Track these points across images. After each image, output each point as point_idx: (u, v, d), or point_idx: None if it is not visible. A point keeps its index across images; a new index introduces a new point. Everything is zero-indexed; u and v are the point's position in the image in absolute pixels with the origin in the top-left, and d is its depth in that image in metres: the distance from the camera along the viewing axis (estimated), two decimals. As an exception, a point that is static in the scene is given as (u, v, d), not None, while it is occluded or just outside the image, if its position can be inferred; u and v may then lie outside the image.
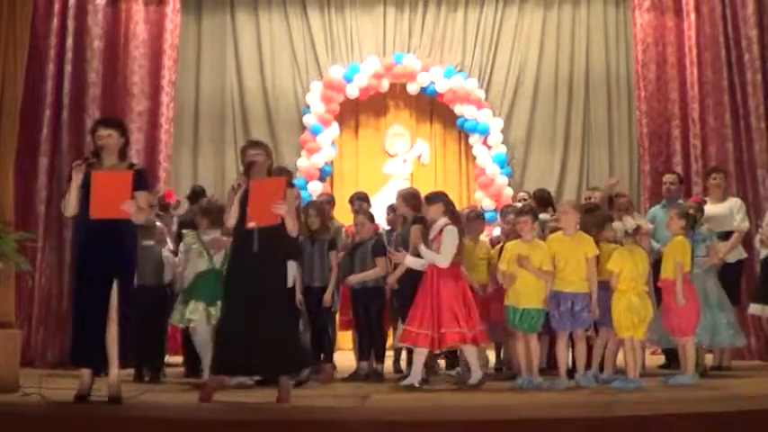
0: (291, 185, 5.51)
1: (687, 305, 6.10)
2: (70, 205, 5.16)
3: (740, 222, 7.13)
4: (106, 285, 5.07)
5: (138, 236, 5.48)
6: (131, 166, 5.34)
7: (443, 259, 6.02)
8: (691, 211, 6.46)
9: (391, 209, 7.48)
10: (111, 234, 5.11)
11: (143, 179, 5.28)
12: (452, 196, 10.01)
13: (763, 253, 6.95)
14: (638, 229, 6.10)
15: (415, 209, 6.63)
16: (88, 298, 5.09)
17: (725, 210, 7.14)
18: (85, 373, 5.15)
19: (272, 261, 5.25)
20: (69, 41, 8.09)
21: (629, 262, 5.99)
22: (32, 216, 7.73)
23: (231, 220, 5.28)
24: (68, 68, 8.06)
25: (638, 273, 5.97)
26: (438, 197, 6.38)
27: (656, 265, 6.43)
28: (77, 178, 5.09)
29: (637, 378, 5.85)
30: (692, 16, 8.83)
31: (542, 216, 7.66)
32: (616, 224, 6.38)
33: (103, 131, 5.26)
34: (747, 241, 7.44)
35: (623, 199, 7.39)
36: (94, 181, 5.03)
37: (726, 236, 7.06)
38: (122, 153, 5.33)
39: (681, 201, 7.40)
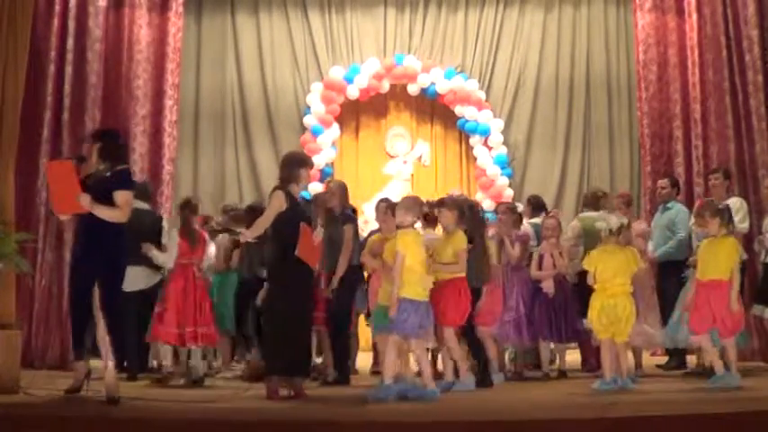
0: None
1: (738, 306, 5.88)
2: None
3: (738, 223, 7.03)
4: (88, 285, 5.21)
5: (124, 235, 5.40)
6: (115, 167, 5.34)
7: (165, 259, 6.57)
8: (720, 206, 6.17)
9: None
10: (91, 234, 5.24)
11: (123, 179, 5.32)
12: (453, 197, 10.20)
13: (763, 255, 6.90)
14: (620, 228, 5.88)
15: (345, 204, 6.70)
16: (74, 297, 5.35)
17: (723, 211, 7.10)
18: (80, 366, 5.33)
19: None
20: (70, 42, 8.06)
21: (605, 262, 5.81)
22: (33, 217, 7.72)
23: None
24: (69, 70, 8.03)
25: (616, 273, 5.77)
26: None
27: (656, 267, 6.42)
28: None
29: (623, 378, 5.76)
30: (694, 17, 8.80)
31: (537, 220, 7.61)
32: (599, 223, 6.15)
33: (86, 144, 5.59)
34: (749, 242, 7.41)
35: (621, 198, 7.36)
36: (48, 172, 5.31)
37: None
38: (106, 157, 5.33)
39: (674, 202, 7.39)
